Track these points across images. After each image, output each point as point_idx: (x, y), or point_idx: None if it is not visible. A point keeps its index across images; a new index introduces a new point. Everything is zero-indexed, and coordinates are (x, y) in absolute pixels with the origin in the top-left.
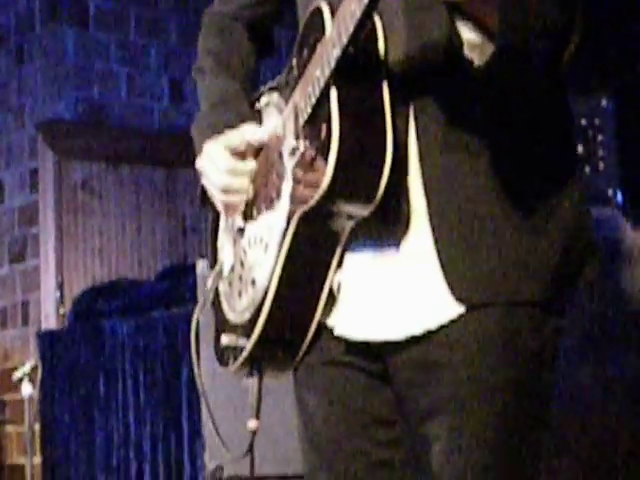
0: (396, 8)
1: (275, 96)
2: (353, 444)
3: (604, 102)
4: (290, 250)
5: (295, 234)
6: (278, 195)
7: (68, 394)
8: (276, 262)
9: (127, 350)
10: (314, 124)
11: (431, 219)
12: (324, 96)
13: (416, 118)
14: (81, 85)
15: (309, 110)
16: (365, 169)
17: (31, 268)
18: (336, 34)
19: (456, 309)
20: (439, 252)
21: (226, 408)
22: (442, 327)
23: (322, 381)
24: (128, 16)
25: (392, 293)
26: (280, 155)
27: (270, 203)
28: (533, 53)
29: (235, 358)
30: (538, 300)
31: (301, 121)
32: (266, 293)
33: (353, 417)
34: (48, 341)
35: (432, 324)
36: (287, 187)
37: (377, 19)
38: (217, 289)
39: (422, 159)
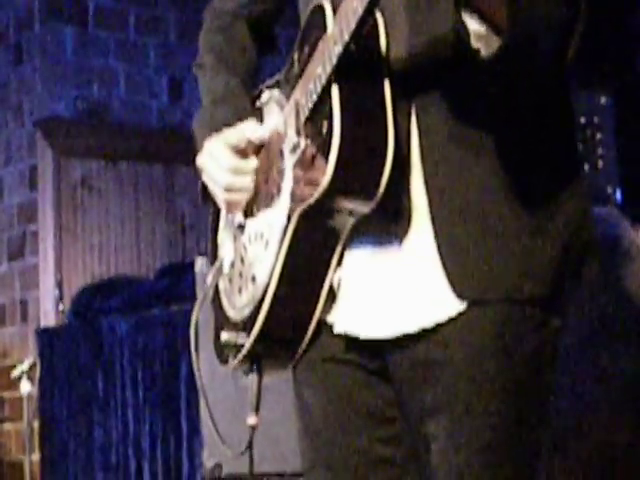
0: (398, 4)
1: (276, 93)
2: (352, 441)
3: (603, 100)
4: (290, 247)
5: (295, 231)
6: (279, 192)
7: (67, 392)
8: (276, 259)
9: (126, 348)
10: (315, 121)
11: (432, 217)
12: (325, 93)
13: (418, 115)
14: (80, 83)
15: (310, 107)
16: (366, 166)
17: (30, 266)
18: (338, 31)
19: (456, 306)
20: (440, 249)
21: (225, 406)
22: (438, 325)
23: (321, 378)
24: (127, 14)
25: (392, 290)
26: (281, 152)
27: (271, 200)
28: (539, 47)
29: (235, 355)
30: (538, 297)
31: (302, 118)
32: (266, 290)
33: (352, 414)
34: (47, 339)
35: (428, 322)
36: (288, 184)
37: (379, 16)
38: (217, 286)
39: (424, 156)
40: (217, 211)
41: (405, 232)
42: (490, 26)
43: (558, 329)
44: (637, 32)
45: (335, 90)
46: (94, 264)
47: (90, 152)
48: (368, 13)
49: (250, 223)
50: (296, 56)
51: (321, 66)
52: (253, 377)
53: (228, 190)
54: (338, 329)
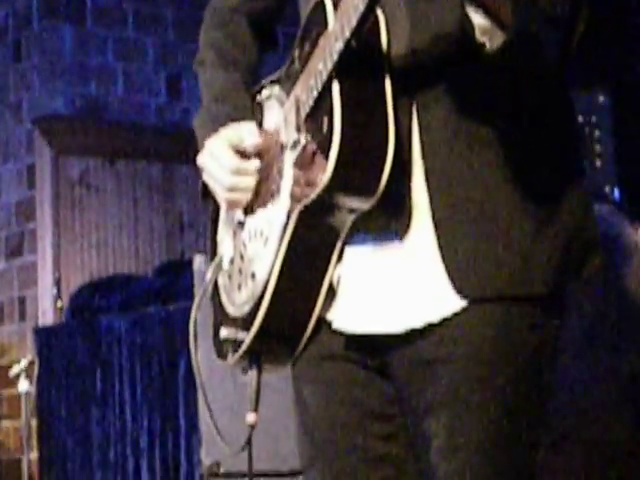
0: (399, 1)
1: (277, 89)
2: (350, 438)
3: (601, 99)
4: (290, 244)
5: (295, 228)
6: (278, 189)
7: (65, 390)
8: (276, 256)
9: (124, 346)
10: (316, 117)
11: (433, 213)
12: (326, 89)
13: (419, 111)
14: (78, 81)
15: (311, 103)
16: (366, 162)
17: (28, 263)
18: (339, 27)
19: (458, 303)
20: (441, 246)
21: (223, 403)
22: (444, 320)
23: (320, 374)
24: (125, 12)
25: (393, 287)
26: (281, 148)
27: (271, 196)
28: (543, 43)
29: (234, 351)
30: (539, 296)
31: (303, 114)
32: (266, 287)
33: (350, 411)
34: (45, 337)
35: (434, 317)
36: (288, 180)
37: (380, 12)
38: (216, 282)
39: (425, 153)
40: (216, 208)
41: (406, 229)
42: (495, 21)
43: (558, 328)
44: (636, 31)
45: (336, 87)
46: (92, 262)
47: (88, 150)
48: (369, 10)
49: (250, 220)
50: (297, 52)
51: (322, 62)
52: (252, 374)
53: (231, 190)
54: (338, 326)
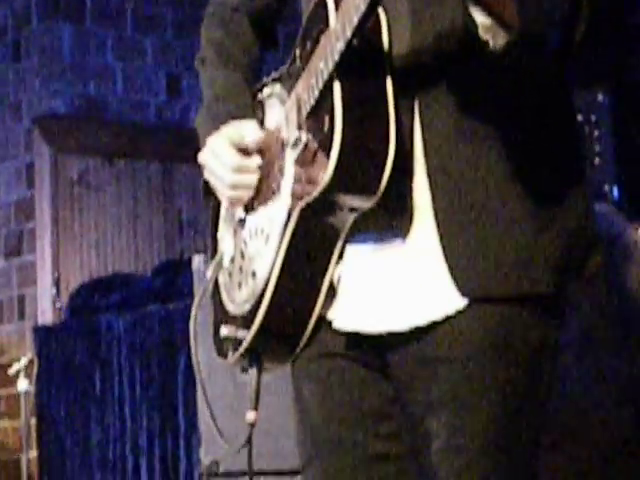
0: (401, 0)
1: (278, 87)
2: (350, 437)
3: (600, 97)
4: (291, 243)
5: (296, 226)
6: (279, 187)
7: (64, 389)
8: (277, 254)
9: (123, 345)
10: (317, 116)
11: (436, 212)
12: (327, 89)
13: (421, 110)
14: (77, 80)
15: (312, 102)
16: (367, 162)
17: (27, 263)
18: (340, 27)
19: (460, 302)
20: (444, 245)
21: (223, 402)
22: (448, 319)
23: (320, 373)
24: (124, 11)
25: (394, 286)
26: (282, 147)
27: (272, 194)
28: (546, 43)
29: (234, 350)
30: (541, 296)
31: (304, 113)
32: (266, 285)
33: (351, 410)
34: (44, 336)
35: (438, 315)
36: (289, 179)
37: (381, 11)
38: (217, 280)
39: (427, 152)
40: (217, 205)
41: (408, 228)
42: (498, 21)
43: (558, 327)
44: (635, 30)
45: (337, 86)
46: (91, 261)
47: (87, 149)
48: (371, 9)
49: (251, 218)
50: (298, 51)
51: (323, 61)
52: (252, 373)
53: (233, 188)
54: (339, 325)
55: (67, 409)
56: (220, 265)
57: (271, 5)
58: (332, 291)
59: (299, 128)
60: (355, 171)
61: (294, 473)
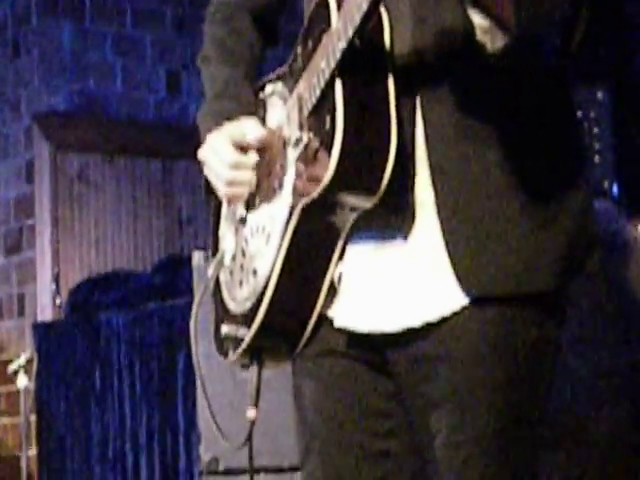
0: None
1: (279, 86)
2: (350, 434)
3: (600, 94)
4: (292, 241)
5: (298, 224)
6: (281, 185)
7: (64, 386)
8: (278, 252)
9: (123, 342)
10: (318, 115)
11: (439, 211)
12: (329, 88)
13: (423, 109)
14: (77, 77)
15: (314, 101)
16: (369, 161)
17: (27, 260)
18: (342, 26)
19: (460, 301)
20: (447, 244)
21: (223, 400)
22: (443, 320)
23: (320, 371)
24: (124, 8)
25: (395, 285)
26: (284, 145)
27: (273, 193)
28: (544, 43)
29: (235, 348)
30: (543, 294)
31: (305, 112)
32: (267, 283)
33: (351, 407)
34: (44, 333)
35: (432, 316)
36: (290, 178)
37: (383, 11)
38: (218, 278)
39: (429, 151)
40: (218, 204)
41: (410, 226)
42: (496, 23)
43: (560, 325)
44: (635, 27)
45: (338, 85)
46: (91, 258)
47: (87, 146)
48: (373, 8)
49: (252, 216)
50: (300, 50)
51: (325, 61)
52: (253, 370)
53: (229, 184)
54: (339, 323)
55: (67, 406)
56: (221, 263)
57: (273, 3)
58: (333, 289)
59: (300, 127)
60: (356, 170)
61: (294, 470)
